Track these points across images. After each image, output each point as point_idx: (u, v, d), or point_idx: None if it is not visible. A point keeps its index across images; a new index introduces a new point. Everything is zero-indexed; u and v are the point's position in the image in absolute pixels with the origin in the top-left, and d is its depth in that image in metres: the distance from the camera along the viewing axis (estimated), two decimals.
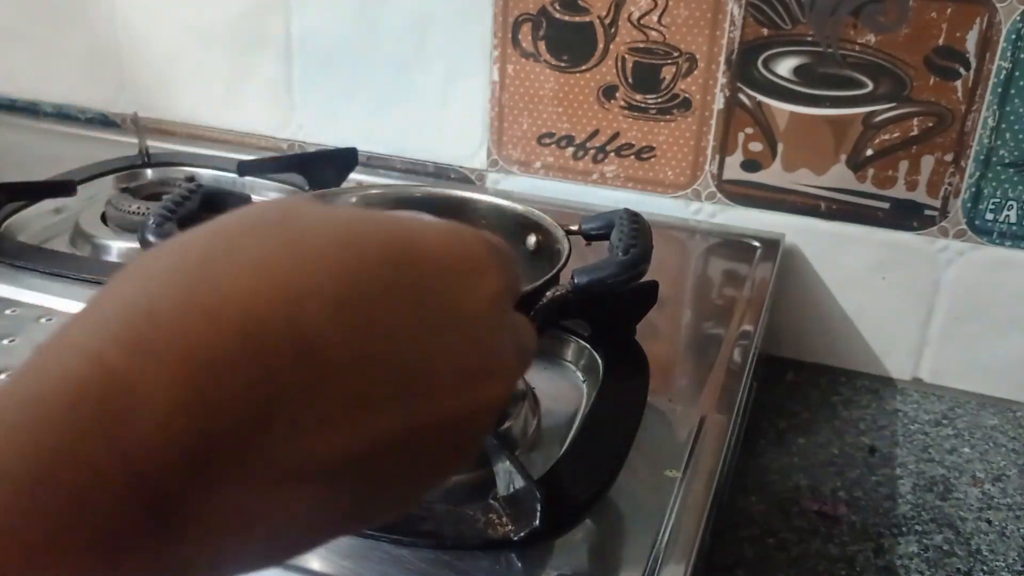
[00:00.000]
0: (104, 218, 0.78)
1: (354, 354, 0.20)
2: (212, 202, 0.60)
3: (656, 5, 0.82)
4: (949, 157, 0.77)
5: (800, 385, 0.83)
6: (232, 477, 0.18)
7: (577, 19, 0.84)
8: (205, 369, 0.18)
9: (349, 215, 0.23)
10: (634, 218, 0.58)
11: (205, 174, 0.90)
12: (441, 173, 0.95)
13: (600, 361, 0.60)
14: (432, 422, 0.21)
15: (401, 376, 0.21)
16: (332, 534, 0.22)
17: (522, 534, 0.44)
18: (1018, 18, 0.72)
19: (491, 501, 0.46)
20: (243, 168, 0.85)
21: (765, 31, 0.79)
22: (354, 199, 0.59)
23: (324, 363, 0.19)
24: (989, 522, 0.65)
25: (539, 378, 0.60)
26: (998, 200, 0.77)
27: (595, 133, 0.88)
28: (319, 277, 0.20)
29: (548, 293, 0.51)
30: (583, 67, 0.86)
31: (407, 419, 0.21)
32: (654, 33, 0.83)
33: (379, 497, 0.22)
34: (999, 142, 0.76)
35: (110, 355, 0.18)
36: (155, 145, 0.93)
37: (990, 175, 0.77)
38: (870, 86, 0.78)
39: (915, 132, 0.78)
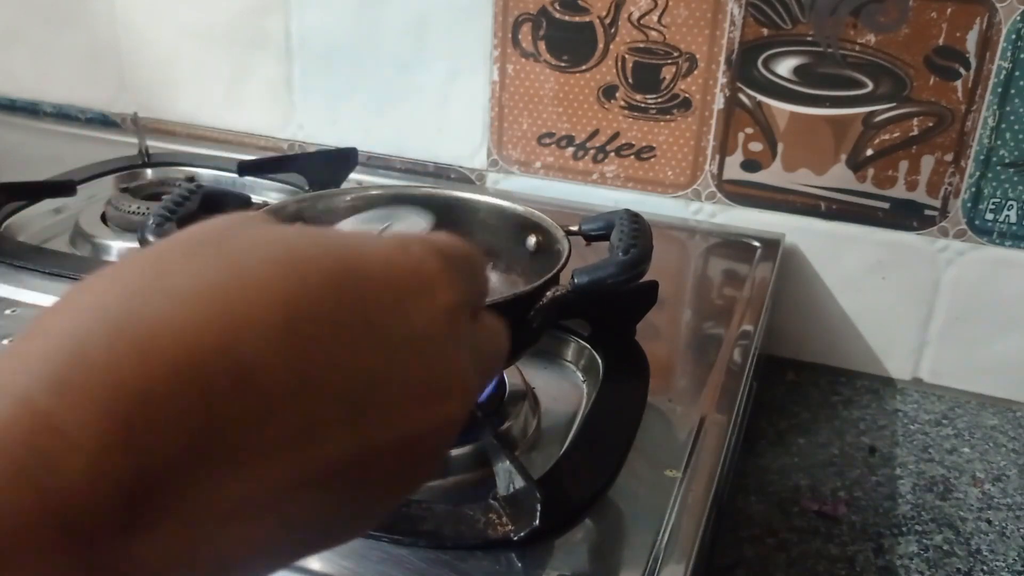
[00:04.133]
0: (104, 218, 0.79)
1: (297, 381, 0.19)
2: (212, 202, 0.60)
3: (656, 5, 0.82)
4: (949, 157, 0.77)
5: (800, 385, 0.83)
6: (175, 516, 0.17)
7: (577, 19, 0.84)
8: (136, 404, 0.17)
9: (289, 235, 0.22)
10: (634, 218, 0.58)
11: (205, 174, 0.90)
12: (441, 173, 0.95)
13: (600, 361, 0.60)
14: (386, 444, 0.21)
15: (349, 400, 0.20)
16: (293, 558, 0.21)
17: (522, 534, 0.44)
18: (1018, 18, 0.72)
19: (491, 501, 0.46)
20: (243, 168, 0.85)
21: (765, 31, 0.79)
22: (349, 198, 0.59)
23: (264, 392, 0.18)
24: (989, 522, 0.65)
25: (539, 378, 0.60)
26: (998, 200, 0.77)
27: (595, 133, 0.88)
28: (257, 304, 0.19)
29: (548, 293, 0.50)
30: (583, 67, 0.86)
31: (359, 443, 0.20)
32: (654, 33, 0.83)
33: (339, 519, 0.22)
34: (999, 142, 0.76)
35: (36, 396, 0.17)
36: (155, 145, 0.93)
37: (990, 175, 0.77)
38: (870, 86, 0.78)
39: (915, 132, 0.78)
